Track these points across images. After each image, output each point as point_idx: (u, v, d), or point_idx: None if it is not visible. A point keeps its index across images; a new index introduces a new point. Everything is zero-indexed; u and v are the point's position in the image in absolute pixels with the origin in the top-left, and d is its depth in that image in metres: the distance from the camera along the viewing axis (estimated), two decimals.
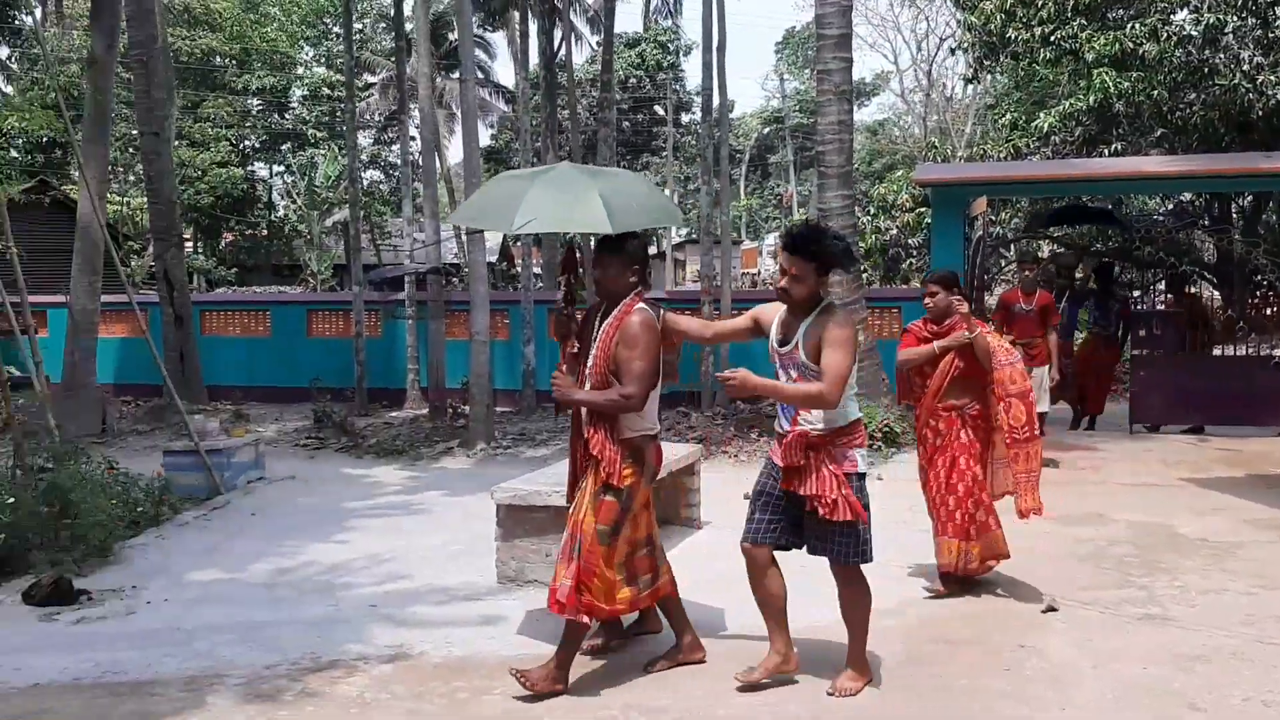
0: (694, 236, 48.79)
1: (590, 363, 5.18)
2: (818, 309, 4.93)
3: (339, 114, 40.63)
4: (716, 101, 15.97)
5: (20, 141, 27.51)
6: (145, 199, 21.89)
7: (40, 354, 10.48)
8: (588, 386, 5.16)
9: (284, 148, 43.14)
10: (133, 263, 29.43)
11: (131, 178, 34.98)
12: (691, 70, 50.27)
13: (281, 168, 44.32)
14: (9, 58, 36.40)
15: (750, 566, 5.10)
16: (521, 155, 19.86)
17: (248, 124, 41.50)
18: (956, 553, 6.57)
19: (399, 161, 40.75)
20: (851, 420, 4.99)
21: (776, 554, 5.13)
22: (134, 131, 30.04)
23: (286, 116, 43.39)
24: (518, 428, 14.78)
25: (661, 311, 5.27)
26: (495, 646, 5.82)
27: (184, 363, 15.90)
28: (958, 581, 6.68)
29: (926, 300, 6.75)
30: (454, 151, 42.13)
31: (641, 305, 5.16)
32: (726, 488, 9.87)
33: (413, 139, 20.22)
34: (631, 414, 5.11)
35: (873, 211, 22.65)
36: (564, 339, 5.42)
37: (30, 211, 22.31)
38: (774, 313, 5.12)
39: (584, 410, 5.17)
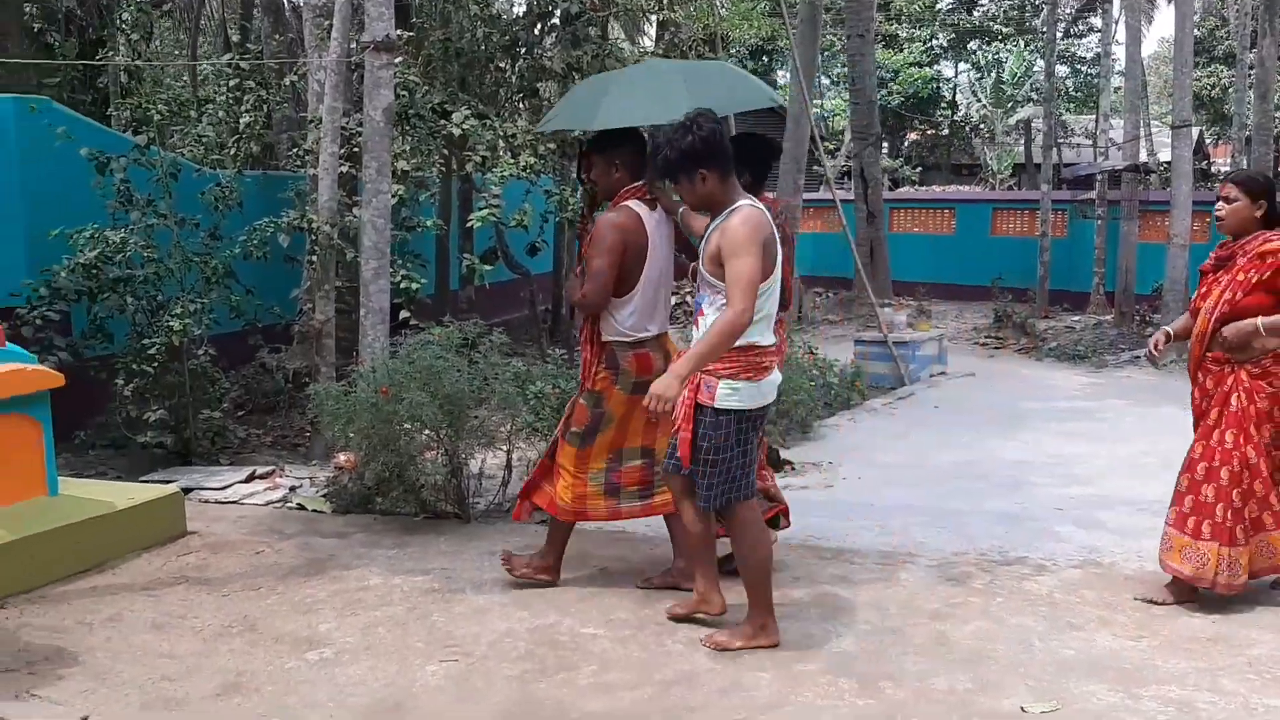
0: None
1: None
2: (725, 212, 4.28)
3: (1028, 9, 39.27)
4: None
5: (735, 50, 30.04)
6: (846, 99, 22.89)
7: None
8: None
9: (970, 45, 42.67)
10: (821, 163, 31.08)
11: (825, 80, 36.74)
12: None
13: (967, 66, 43.95)
14: None
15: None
16: (1237, 39, 17.88)
17: (937, 23, 41.59)
18: (1214, 561, 4.78)
19: (1087, 55, 38.80)
20: (736, 346, 4.19)
21: None
22: (829, 36, 31.47)
23: (974, 14, 42.80)
24: None
25: (682, 210, 4.84)
26: None
27: (873, 257, 16.60)
28: (1191, 594, 4.92)
29: (1218, 207, 4.97)
30: (1146, 44, 39.03)
31: (627, 204, 4.85)
32: None
33: (1099, 31, 19.04)
34: (608, 318, 4.87)
35: None
36: (582, 240, 5.23)
37: (749, 115, 24.29)
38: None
39: None
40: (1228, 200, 4.88)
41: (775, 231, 4.35)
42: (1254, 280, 4.76)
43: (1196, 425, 4.99)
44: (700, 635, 4.54)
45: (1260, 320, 4.71)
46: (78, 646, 4.43)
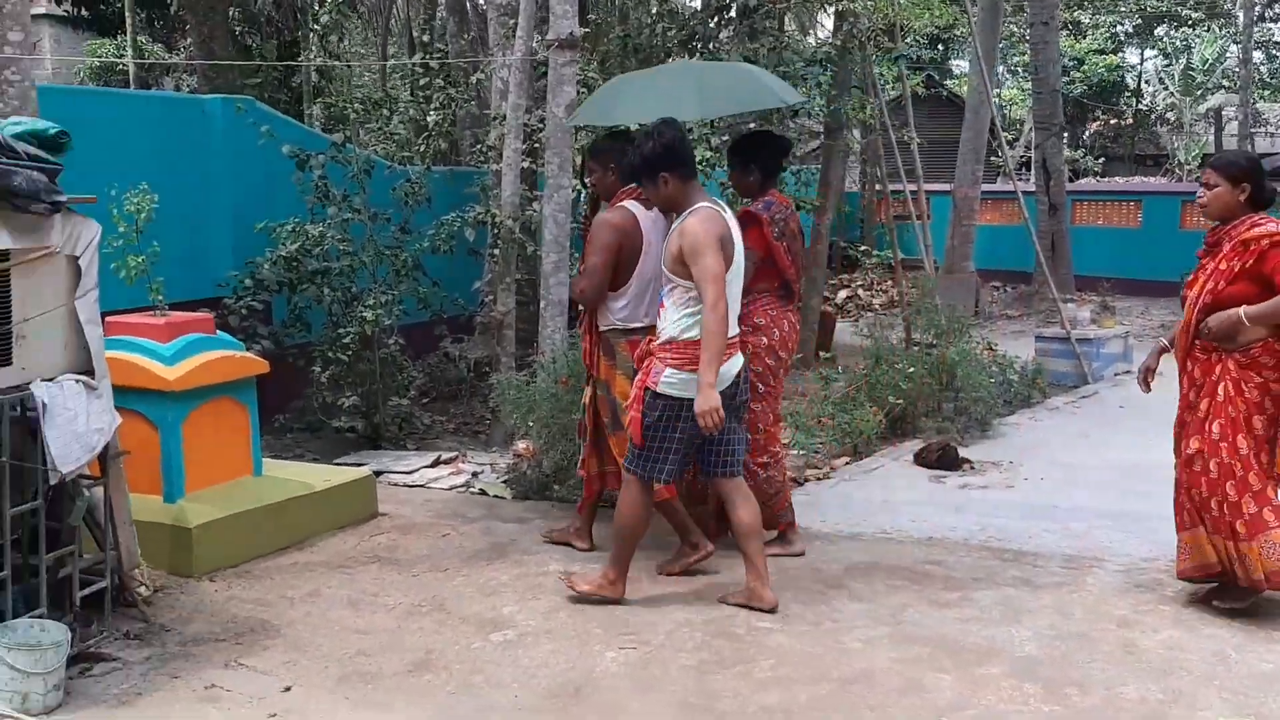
0: None
1: None
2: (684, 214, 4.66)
3: None
4: None
5: (910, 39, 29.48)
6: (1024, 88, 22.24)
7: (930, 238, 11.35)
8: None
9: (1158, 31, 40.76)
10: (999, 154, 30.20)
11: (1001, 69, 35.66)
12: None
13: (1154, 52, 41.99)
14: None
15: None
16: None
17: (1122, 8, 39.89)
18: (1221, 555, 4.62)
19: None
20: (686, 338, 4.57)
21: None
22: (1007, 24, 30.56)
23: None
24: None
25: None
26: None
27: (1055, 251, 16.07)
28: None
29: (1200, 194, 4.76)
30: None
31: (624, 204, 5.17)
32: None
33: None
34: (604, 309, 5.22)
35: None
36: (584, 238, 5.52)
37: (925, 105, 23.80)
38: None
39: None
40: (1209, 186, 4.70)
41: (731, 230, 4.68)
42: (1237, 269, 4.60)
43: (1183, 417, 4.80)
44: (877, 634, 4.52)
45: (1243, 310, 4.53)
46: (280, 620, 4.68)
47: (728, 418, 4.64)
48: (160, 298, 5.39)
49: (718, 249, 4.50)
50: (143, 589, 4.76)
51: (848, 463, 7.62)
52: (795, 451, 7.63)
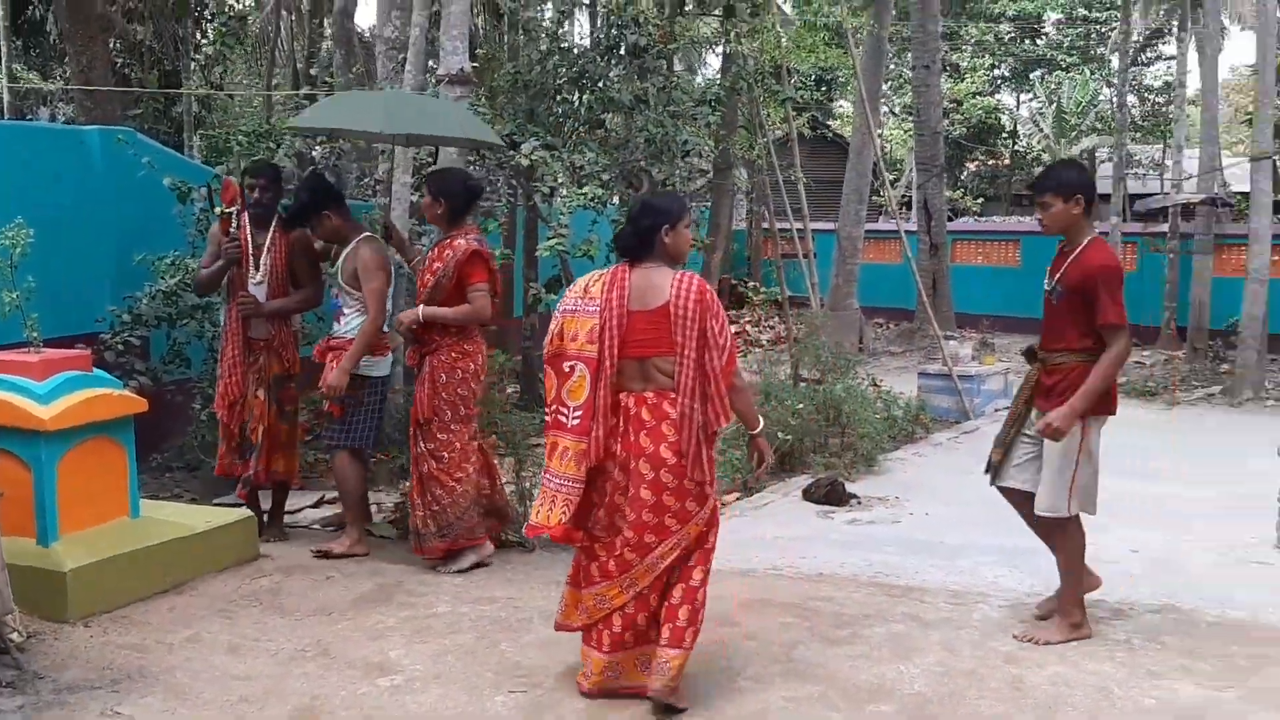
0: None
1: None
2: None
3: (1093, 37, 38.94)
4: None
5: (795, 80, 30.11)
6: (911, 129, 22.81)
7: (816, 276, 11.53)
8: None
9: (1033, 75, 42.29)
10: (881, 193, 30.92)
11: (883, 110, 36.58)
12: None
13: (1028, 95, 43.51)
14: None
15: None
16: None
17: (999, 51, 41.30)
18: None
19: (1154, 84, 38.31)
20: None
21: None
22: (891, 66, 31.40)
23: (1038, 42, 42.46)
24: None
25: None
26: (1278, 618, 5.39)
27: (936, 289, 16.49)
28: None
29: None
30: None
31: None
32: None
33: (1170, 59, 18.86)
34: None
35: None
36: (234, 263, 6.15)
37: (809, 145, 24.28)
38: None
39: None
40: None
41: (389, 255, 6.13)
42: None
43: None
44: (769, 671, 4.53)
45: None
46: (158, 666, 4.51)
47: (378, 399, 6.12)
48: (35, 334, 5.17)
49: (385, 273, 5.92)
50: (15, 635, 4.53)
51: (738, 498, 7.67)
52: None
